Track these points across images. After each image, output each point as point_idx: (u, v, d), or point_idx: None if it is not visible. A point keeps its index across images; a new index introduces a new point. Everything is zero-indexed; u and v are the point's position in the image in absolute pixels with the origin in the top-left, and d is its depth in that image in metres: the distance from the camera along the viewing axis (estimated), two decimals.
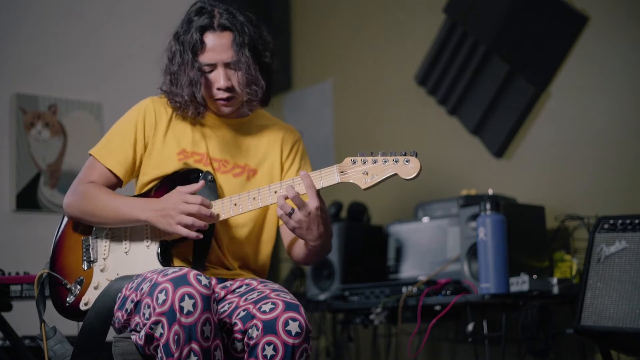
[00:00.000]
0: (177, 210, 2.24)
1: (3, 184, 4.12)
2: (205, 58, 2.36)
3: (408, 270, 3.64)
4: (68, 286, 2.36)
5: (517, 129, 3.70)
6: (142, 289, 2.12)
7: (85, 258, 2.38)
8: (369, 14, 4.46)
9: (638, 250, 2.76)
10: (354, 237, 3.79)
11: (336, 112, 4.59)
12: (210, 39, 2.36)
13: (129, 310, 2.16)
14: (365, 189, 2.21)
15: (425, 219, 3.63)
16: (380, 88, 4.37)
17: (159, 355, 2.06)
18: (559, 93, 3.59)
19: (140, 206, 2.30)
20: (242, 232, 2.44)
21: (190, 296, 2.04)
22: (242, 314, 2.20)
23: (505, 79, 3.76)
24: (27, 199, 4.14)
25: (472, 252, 3.26)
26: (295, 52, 4.86)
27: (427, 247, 3.58)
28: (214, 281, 2.34)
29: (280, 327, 2.15)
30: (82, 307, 2.32)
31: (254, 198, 2.28)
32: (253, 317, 2.18)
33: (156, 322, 2.05)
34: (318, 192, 2.23)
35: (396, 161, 2.18)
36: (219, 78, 2.37)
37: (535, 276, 3.08)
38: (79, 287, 2.35)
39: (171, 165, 2.41)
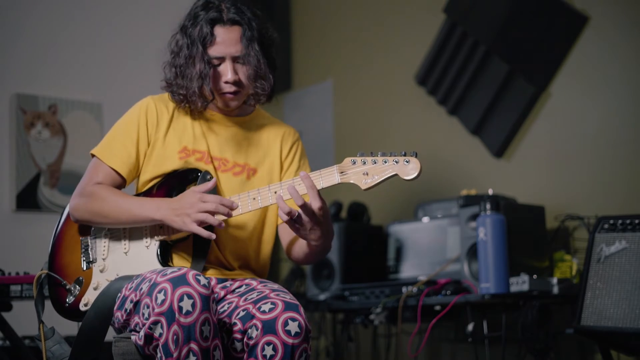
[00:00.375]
0: (194, 209, 2.23)
1: (3, 184, 4.12)
2: (214, 51, 2.37)
3: (408, 270, 3.64)
4: (67, 287, 2.36)
5: (517, 129, 3.70)
6: (141, 289, 2.12)
7: (84, 258, 2.38)
8: (369, 14, 4.46)
9: (638, 250, 2.76)
10: (354, 237, 3.79)
11: (336, 112, 4.59)
12: (219, 32, 2.37)
13: (128, 310, 2.16)
14: (366, 190, 2.20)
15: (425, 219, 3.63)
16: (380, 88, 4.37)
17: (159, 355, 2.06)
18: (559, 93, 3.59)
19: (155, 205, 2.29)
20: (242, 232, 2.44)
21: (189, 296, 2.04)
22: (242, 313, 2.20)
23: (505, 79, 3.76)
24: (27, 199, 4.14)
25: (472, 252, 3.26)
26: (295, 52, 4.86)
27: (427, 247, 3.58)
28: (213, 281, 2.34)
29: (280, 327, 2.14)
30: (82, 308, 2.32)
31: (254, 198, 2.28)
32: (252, 317, 2.18)
33: (155, 322, 2.05)
34: (319, 192, 2.23)
35: (396, 162, 2.17)
36: (226, 71, 2.37)
37: (535, 276, 3.08)
38: (78, 287, 2.35)
39: (172, 164, 2.41)
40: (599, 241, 2.85)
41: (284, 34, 4.86)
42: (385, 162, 2.18)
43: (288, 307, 2.18)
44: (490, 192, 3.35)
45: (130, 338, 2.17)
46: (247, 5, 2.41)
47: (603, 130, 3.44)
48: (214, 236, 2.25)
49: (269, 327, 2.15)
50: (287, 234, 2.48)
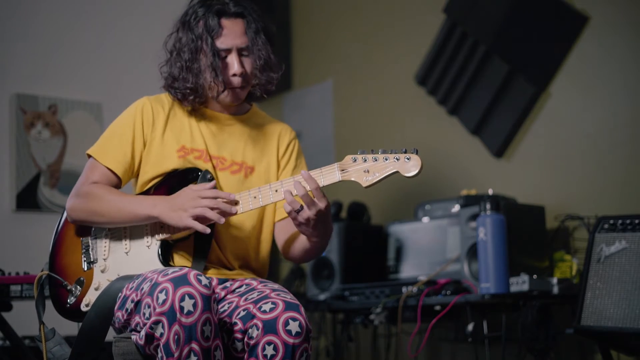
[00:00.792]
0: (191, 204, 2.23)
1: (3, 184, 4.12)
2: (221, 43, 2.37)
3: (408, 270, 3.64)
4: (68, 287, 2.36)
5: (517, 129, 3.70)
6: (142, 288, 2.12)
7: (85, 259, 2.38)
8: (369, 14, 4.46)
9: (638, 250, 2.75)
10: (354, 237, 3.79)
11: (336, 112, 4.59)
12: (225, 24, 2.38)
13: (129, 310, 2.16)
14: (367, 187, 2.20)
15: (425, 219, 3.63)
16: (380, 88, 4.37)
17: (159, 355, 2.06)
18: (559, 93, 3.59)
19: (151, 202, 2.29)
20: (241, 231, 2.44)
21: (191, 296, 2.04)
22: (242, 313, 2.20)
23: (505, 79, 3.76)
24: (27, 199, 4.14)
25: (472, 252, 3.26)
26: (295, 52, 4.86)
27: (427, 247, 3.58)
28: (214, 281, 2.34)
29: (281, 326, 2.14)
30: (83, 308, 2.32)
31: (255, 197, 2.28)
32: (253, 316, 2.18)
33: (156, 322, 2.05)
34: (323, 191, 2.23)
35: (397, 159, 2.17)
36: (233, 64, 2.38)
37: (535, 276, 3.08)
38: (79, 288, 2.35)
39: (171, 163, 2.41)
40: (599, 241, 2.85)
41: (284, 34, 4.86)
42: (386, 159, 2.18)
43: (289, 306, 2.18)
44: (490, 192, 3.35)
45: (130, 338, 2.17)
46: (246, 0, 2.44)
47: (603, 130, 3.44)
48: (208, 230, 2.24)
49: (269, 326, 2.15)
50: (283, 233, 2.48)
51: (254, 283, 2.36)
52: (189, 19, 2.41)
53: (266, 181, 2.46)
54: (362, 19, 4.49)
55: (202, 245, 2.35)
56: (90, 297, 2.33)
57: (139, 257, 2.35)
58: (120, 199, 2.32)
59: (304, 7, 4.86)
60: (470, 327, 3.10)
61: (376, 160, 2.19)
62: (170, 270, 2.11)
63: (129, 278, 2.25)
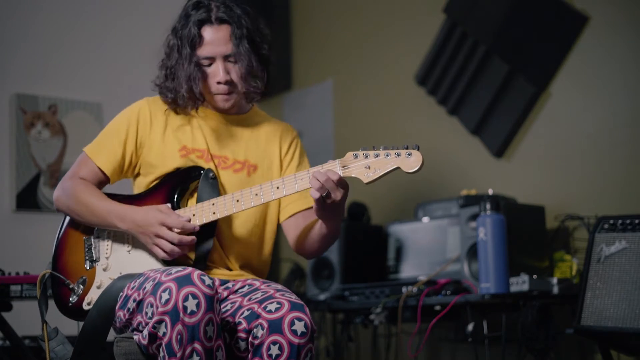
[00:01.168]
0: (154, 234, 2.27)
1: (3, 184, 4.12)
2: (203, 52, 2.37)
3: (408, 270, 3.64)
4: (71, 286, 2.36)
5: (517, 129, 3.70)
6: (144, 288, 2.13)
7: (87, 257, 2.38)
8: (369, 14, 4.46)
9: (638, 250, 2.75)
10: (354, 237, 3.79)
11: (336, 112, 4.59)
12: (208, 32, 2.37)
13: (131, 310, 2.17)
14: (368, 183, 2.20)
15: (425, 219, 3.63)
16: (380, 88, 4.37)
17: (161, 354, 2.06)
18: (559, 93, 3.59)
19: (120, 215, 2.32)
20: (244, 230, 2.44)
21: (194, 296, 2.04)
22: (246, 313, 2.21)
23: (505, 79, 3.76)
24: (27, 199, 4.14)
25: (472, 252, 3.26)
26: (295, 52, 4.86)
27: (427, 247, 3.58)
28: (217, 282, 2.34)
29: (286, 326, 2.15)
30: (85, 307, 2.32)
31: (256, 194, 2.28)
32: (258, 316, 2.18)
33: (159, 321, 2.05)
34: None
35: (398, 155, 2.17)
36: (218, 72, 2.37)
37: (535, 276, 3.08)
38: (81, 286, 2.35)
39: (173, 162, 2.42)
40: (599, 241, 2.85)
41: (284, 34, 4.86)
42: (387, 155, 2.18)
43: (294, 307, 2.18)
44: (490, 192, 3.35)
45: (132, 338, 2.18)
46: (237, 3, 2.41)
47: (603, 130, 3.44)
48: (169, 258, 2.28)
49: (275, 326, 2.15)
50: (294, 229, 2.48)
51: (257, 283, 2.36)
52: (177, 24, 2.41)
53: (269, 179, 2.46)
54: (362, 19, 4.49)
55: (203, 244, 2.36)
56: (93, 295, 2.33)
57: (141, 256, 2.35)
58: (97, 203, 2.35)
59: (303, 7, 4.86)
60: (470, 327, 3.11)
61: (377, 156, 2.19)
62: (174, 269, 2.11)
63: (131, 277, 2.25)
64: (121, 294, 2.22)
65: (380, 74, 4.37)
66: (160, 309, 2.05)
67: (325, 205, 2.22)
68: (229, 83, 2.38)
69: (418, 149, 2.17)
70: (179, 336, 2.04)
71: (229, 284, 2.37)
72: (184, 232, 2.28)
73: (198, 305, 2.04)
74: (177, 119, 2.46)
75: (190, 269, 2.10)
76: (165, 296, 2.05)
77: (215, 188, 2.37)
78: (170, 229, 2.27)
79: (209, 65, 2.38)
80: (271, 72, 2.46)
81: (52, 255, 2.42)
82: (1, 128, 4.14)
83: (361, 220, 3.95)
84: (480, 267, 3.06)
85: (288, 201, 2.48)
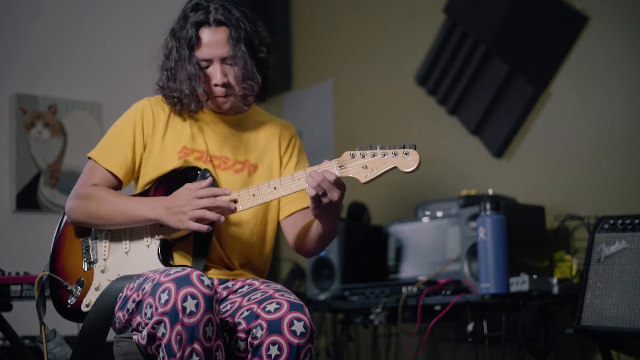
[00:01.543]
0: (190, 207, 2.23)
1: (3, 184, 4.12)
2: (201, 53, 2.37)
3: (408, 270, 3.64)
4: (69, 288, 2.36)
5: (517, 129, 3.70)
6: (144, 288, 2.12)
7: (85, 259, 2.38)
8: (369, 14, 4.46)
9: (638, 250, 2.75)
10: (354, 237, 3.79)
11: (336, 112, 4.59)
12: (206, 34, 2.37)
13: (130, 310, 2.16)
14: (365, 183, 2.20)
15: (425, 219, 3.63)
16: (380, 88, 4.37)
17: (161, 355, 2.06)
18: (559, 93, 3.59)
19: (149, 205, 2.29)
20: (244, 229, 2.44)
21: (193, 296, 2.04)
22: (246, 313, 2.21)
23: (505, 79, 3.76)
24: (27, 199, 4.14)
25: (472, 252, 3.26)
26: (295, 52, 4.86)
27: (427, 247, 3.58)
28: (215, 282, 2.33)
29: (286, 327, 2.15)
30: (84, 309, 2.32)
31: (254, 195, 2.28)
32: (257, 316, 2.18)
33: (158, 322, 2.05)
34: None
35: (395, 154, 2.17)
36: (215, 74, 2.37)
37: (535, 276, 3.08)
38: (79, 288, 2.35)
39: (171, 164, 2.41)
40: (599, 241, 2.85)
41: (284, 34, 4.86)
42: (384, 155, 2.18)
43: (293, 307, 2.18)
44: (490, 192, 3.35)
45: (132, 338, 2.17)
46: (236, 6, 2.41)
47: (603, 130, 3.44)
48: (209, 229, 2.24)
49: (274, 327, 2.15)
50: (293, 228, 2.48)
51: (256, 283, 2.36)
52: (176, 25, 2.41)
53: (270, 179, 2.46)
54: (362, 19, 4.49)
55: (202, 244, 2.35)
56: (91, 297, 2.33)
57: (139, 257, 2.35)
58: (119, 201, 2.32)
59: (304, 7, 4.86)
60: (470, 327, 3.11)
61: (374, 156, 2.19)
62: (173, 270, 2.11)
63: (129, 278, 2.25)
64: (120, 294, 2.22)
65: (380, 74, 4.37)
66: (159, 310, 2.04)
67: (321, 205, 2.22)
68: (226, 85, 2.38)
69: (415, 148, 2.17)
70: (178, 337, 2.03)
71: (229, 284, 2.37)
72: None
73: (197, 305, 2.04)
74: (177, 120, 2.46)
75: (189, 269, 2.10)
76: (164, 297, 2.05)
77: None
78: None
79: (207, 67, 2.38)
80: (269, 75, 2.46)
81: (49, 257, 2.42)
82: (1, 128, 4.14)
83: (361, 220, 3.95)
84: (480, 267, 3.06)
85: (287, 200, 2.48)
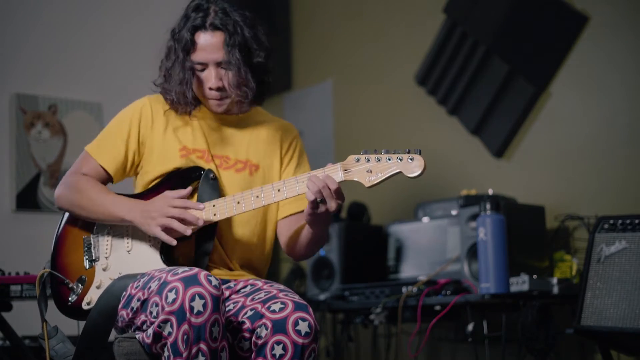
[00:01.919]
0: (159, 213, 2.26)
1: (3, 184, 4.12)
2: (197, 57, 2.37)
3: (408, 270, 3.64)
4: (70, 285, 2.36)
5: (517, 129, 3.70)
6: (149, 287, 2.13)
7: (87, 257, 2.38)
8: (369, 14, 4.46)
9: (638, 250, 2.76)
10: (354, 237, 3.79)
11: (336, 112, 4.59)
12: (201, 38, 2.36)
13: (134, 309, 2.16)
14: (369, 187, 2.20)
15: (425, 219, 3.63)
16: (380, 88, 4.37)
17: (166, 353, 2.06)
18: (559, 93, 3.59)
19: (128, 206, 2.32)
20: (245, 230, 2.44)
21: (201, 296, 2.04)
22: (250, 313, 2.21)
23: (505, 79, 3.76)
24: (27, 199, 4.14)
25: (472, 252, 3.26)
26: (295, 52, 4.86)
27: (427, 247, 3.58)
28: None
29: (290, 326, 2.15)
30: (85, 307, 2.32)
31: (257, 196, 2.28)
32: (262, 316, 2.18)
33: (165, 321, 2.05)
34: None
35: (400, 159, 2.17)
36: (210, 78, 2.37)
37: (535, 276, 3.08)
38: (80, 286, 2.35)
39: (174, 162, 2.41)
40: (599, 241, 2.85)
41: (284, 34, 4.86)
42: (389, 159, 2.18)
43: (298, 307, 2.18)
44: (490, 192, 3.35)
45: (134, 338, 2.17)
46: (236, 9, 2.40)
47: (603, 130, 3.44)
48: (174, 242, 2.26)
49: (279, 326, 2.15)
50: (287, 230, 2.48)
51: (259, 283, 2.36)
52: (176, 26, 2.41)
53: (271, 179, 2.46)
54: (362, 19, 4.49)
55: (204, 244, 2.36)
56: (92, 295, 2.33)
57: (141, 255, 2.35)
58: (101, 196, 2.35)
59: (304, 7, 4.86)
60: (470, 327, 3.11)
61: (379, 160, 2.19)
62: (180, 269, 2.11)
63: (132, 277, 2.25)
64: (124, 293, 2.22)
65: (380, 74, 4.37)
66: (166, 309, 2.05)
67: (317, 212, 2.22)
68: (221, 89, 2.38)
69: (420, 154, 2.17)
70: (185, 336, 2.04)
71: (231, 284, 2.37)
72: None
73: (205, 305, 2.04)
74: (178, 119, 2.46)
75: (196, 269, 2.10)
76: (171, 296, 2.05)
77: (216, 189, 2.37)
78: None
79: (202, 70, 2.38)
80: (267, 80, 2.45)
81: (50, 254, 2.42)
82: (1, 128, 4.14)
83: (361, 220, 3.95)
84: (480, 267, 3.06)
85: (285, 201, 2.48)
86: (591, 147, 3.47)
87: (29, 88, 4.20)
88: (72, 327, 2.70)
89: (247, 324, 2.19)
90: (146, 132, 2.43)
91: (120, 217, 2.32)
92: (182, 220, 2.26)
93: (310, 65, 4.78)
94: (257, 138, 2.51)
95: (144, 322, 2.14)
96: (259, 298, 2.25)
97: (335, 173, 2.21)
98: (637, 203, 3.26)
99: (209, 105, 2.43)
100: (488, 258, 3.03)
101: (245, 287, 2.36)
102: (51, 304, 2.39)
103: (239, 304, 2.26)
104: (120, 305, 2.22)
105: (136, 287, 2.19)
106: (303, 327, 2.16)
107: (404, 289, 3.32)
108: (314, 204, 2.21)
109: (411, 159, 2.17)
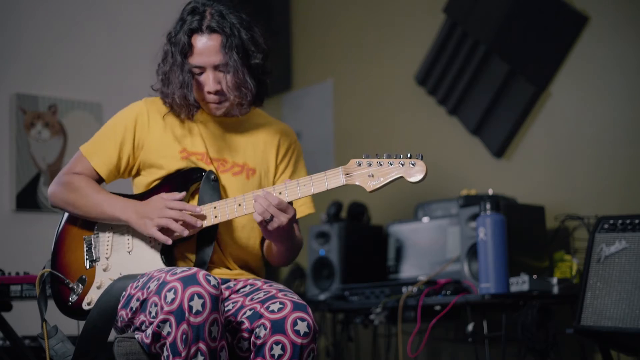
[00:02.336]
0: (157, 214, 2.27)
1: (3, 184, 4.12)
2: (194, 60, 2.36)
3: (408, 270, 3.64)
4: (70, 285, 2.36)
5: (517, 129, 3.70)
6: (149, 287, 2.13)
7: (87, 257, 2.38)
8: (369, 14, 4.46)
9: (638, 250, 2.75)
10: (354, 237, 3.79)
11: (336, 112, 4.59)
12: (199, 41, 2.35)
13: (134, 309, 2.17)
14: (371, 192, 2.21)
15: (425, 219, 3.63)
16: (380, 88, 4.37)
17: (165, 353, 2.06)
18: (559, 93, 3.59)
19: (122, 206, 2.33)
20: (242, 233, 2.44)
21: (200, 296, 2.05)
22: (249, 313, 2.21)
23: (505, 79, 3.76)
24: (27, 199, 4.14)
25: (472, 252, 3.26)
26: (295, 52, 4.86)
27: (427, 247, 3.58)
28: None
29: (289, 326, 2.15)
30: (85, 307, 2.32)
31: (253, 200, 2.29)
32: (261, 316, 2.18)
33: (164, 321, 2.05)
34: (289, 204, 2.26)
35: (402, 164, 2.18)
36: (208, 81, 2.37)
37: (535, 276, 3.08)
38: (81, 286, 2.35)
39: (175, 164, 2.41)
40: (599, 241, 2.85)
41: (284, 34, 4.86)
42: (391, 164, 2.18)
43: (297, 307, 2.18)
44: (490, 192, 3.35)
45: (134, 338, 2.18)
46: (233, 11, 2.39)
47: (603, 130, 3.44)
48: (169, 241, 2.28)
49: (278, 326, 2.15)
50: (263, 239, 2.50)
51: (259, 283, 2.36)
52: (172, 30, 2.40)
53: (267, 183, 2.47)
54: (362, 19, 4.49)
55: (204, 245, 2.36)
56: (92, 295, 2.33)
57: (141, 256, 2.35)
58: (95, 195, 2.35)
59: (303, 7, 4.86)
60: (470, 327, 3.11)
61: (381, 165, 2.19)
62: (179, 269, 2.11)
63: (132, 277, 2.25)
64: (124, 293, 2.22)
65: (380, 74, 4.37)
66: (165, 309, 2.05)
67: (271, 230, 2.24)
68: (219, 92, 2.38)
69: (422, 159, 2.17)
70: (184, 336, 2.04)
71: (230, 283, 2.37)
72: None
73: (203, 305, 2.04)
74: (176, 122, 2.46)
75: (195, 269, 2.10)
76: (170, 295, 2.05)
77: (217, 190, 2.37)
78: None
79: (200, 73, 2.38)
80: (266, 81, 2.45)
81: (51, 253, 2.42)
82: (1, 128, 4.14)
83: (361, 220, 3.95)
84: (480, 267, 3.06)
85: None
86: (591, 147, 3.47)
87: (29, 88, 4.20)
88: (72, 327, 2.70)
89: (246, 324, 2.20)
90: (142, 135, 2.43)
91: (115, 216, 2.33)
92: (182, 222, 2.27)
93: (310, 65, 4.78)
94: (255, 142, 2.50)
95: (143, 322, 2.14)
96: (258, 298, 2.25)
97: (336, 177, 2.21)
98: (637, 203, 3.26)
99: (207, 109, 2.43)
100: (488, 258, 3.03)
101: (244, 286, 2.36)
102: (51, 304, 2.40)
103: (238, 304, 2.26)
104: (119, 306, 2.22)
105: (135, 287, 2.19)
106: (302, 327, 2.16)
107: (404, 289, 3.32)
108: (263, 224, 2.23)
109: (413, 164, 2.17)
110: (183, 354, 2.04)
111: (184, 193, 2.34)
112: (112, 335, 2.30)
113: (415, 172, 2.16)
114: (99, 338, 2.25)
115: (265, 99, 2.50)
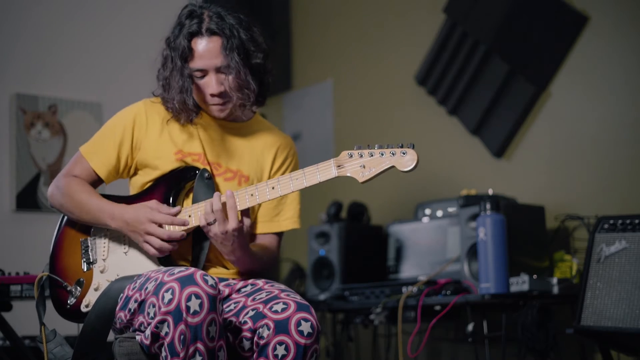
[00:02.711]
0: (143, 230, 2.28)
1: (3, 184, 4.12)
2: (195, 64, 2.36)
3: (408, 270, 3.64)
4: (68, 288, 2.36)
5: (517, 129, 3.70)
6: (146, 288, 2.13)
7: (84, 259, 2.38)
8: (369, 14, 4.46)
9: (638, 250, 2.75)
10: (354, 237, 3.79)
11: (336, 112, 4.59)
12: (199, 44, 2.35)
13: (132, 310, 2.17)
14: (363, 182, 2.20)
15: (425, 219, 3.63)
16: (380, 88, 4.37)
17: (164, 354, 2.07)
18: (559, 93, 3.59)
19: (110, 214, 2.33)
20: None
21: (197, 296, 2.05)
22: (252, 313, 2.21)
23: (505, 79, 3.76)
24: (27, 199, 4.14)
25: (472, 252, 3.26)
26: (295, 52, 4.86)
27: (427, 247, 3.58)
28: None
29: (293, 327, 2.15)
30: (83, 309, 2.33)
31: (252, 194, 2.28)
32: (264, 316, 2.18)
33: (162, 321, 2.06)
34: (246, 212, 2.27)
35: (393, 154, 2.17)
36: (211, 84, 2.36)
37: (535, 276, 3.08)
38: (79, 288, 2.35)
39: (169, 165, 2.41)
40: (599, 241, 2.85)
41: (284, 34, 4.86)
42: (382, 154, 2.18)
43: (300, 307, 2.19)
44: (490, 192, 3.35)
45: (135, 338, 2.18)
46: (231, 12, 2.39)
47: (603, 130, 3.44)
48: (158, 254, 2.29)
49: (281, 327, 2.16)
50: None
51: (260, 283, 2.36)
52: (170, 35, 2.40)
53: None
54: (362, 19, 4.49)
55: (200, 245, 2.36)
56: (90, 297, 2.33)
57: (138, 257, 2.35)
58: (89, 201, 2.36)
59: (303, 7, 4.86)
60: (470, 327, 3.11)
61: (372, 155, 2.19)
62: (176, 269, 2.11)
63: (129, 279, 2.25)
64: (121, 295, 2.22)
65: (380, 74, 4.37)
66: (163, 309, 2.05)
67: (214, 235, 2.25)
68: (223, 95, 2.38)
69: (413, 148, 2.17)
70: (181, 336, 2.04)
71: (230, 282, 2.37)
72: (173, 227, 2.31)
73: (201, 305, 2.04)
74: (175, 123, 2.45)
75: (192, 269, 2.10)
76: (168, 296, 2.05)
77: (211, 188, 2.36)
78: (160, 225, 2.28)
79: (202, 77, 2.37)
80: (267, 80, 2.45)
81: (49, 257, 2.42)
82: (1, 128, 4.14)
83: (361, 220, 3.95)
84: (480, 267, 3.06)
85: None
86: (591, 147, 3.47)
87: (29, 88, 4.20)
88: (72, 327, 2.70)
89: (249, 324, 2.19)
90: (140, 136, 2.43)
91: (106, 224, 2.35)
92: (167, 236, 2.28)
93: (310, 65, 4.78)
94: (252, 150, 2.49)
95: (141, 324, 2.14)
96: (260, 298, 2.25)
97: (328, 169, 2.21)
98: (637, 203, 3.26)
99: (210, 112, 2.43)
100: (488, 258, 3.03)
101: (245, 286, 2.36)
102: (50, 306, 2.40)
103: (240, 304, 2.26)
104: (117, 307, 2.23)
105: (133, 289, 2.19)
106: (305, 327, 2.16)
107: (404, 289, 3.32)
108: (209, 229, 2.25)
109: (404, 153, 2.17)
110: (181, 354, 2.04)
111: (178, 208, 2.33)
112: (112, 335, 2.30)
113: (406, 161, 2.16)
114: (97, 340, 2.25)
115: (267, 98, 2.49)
